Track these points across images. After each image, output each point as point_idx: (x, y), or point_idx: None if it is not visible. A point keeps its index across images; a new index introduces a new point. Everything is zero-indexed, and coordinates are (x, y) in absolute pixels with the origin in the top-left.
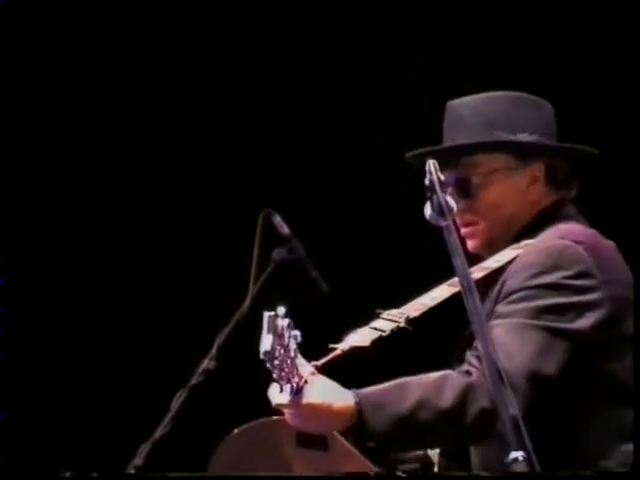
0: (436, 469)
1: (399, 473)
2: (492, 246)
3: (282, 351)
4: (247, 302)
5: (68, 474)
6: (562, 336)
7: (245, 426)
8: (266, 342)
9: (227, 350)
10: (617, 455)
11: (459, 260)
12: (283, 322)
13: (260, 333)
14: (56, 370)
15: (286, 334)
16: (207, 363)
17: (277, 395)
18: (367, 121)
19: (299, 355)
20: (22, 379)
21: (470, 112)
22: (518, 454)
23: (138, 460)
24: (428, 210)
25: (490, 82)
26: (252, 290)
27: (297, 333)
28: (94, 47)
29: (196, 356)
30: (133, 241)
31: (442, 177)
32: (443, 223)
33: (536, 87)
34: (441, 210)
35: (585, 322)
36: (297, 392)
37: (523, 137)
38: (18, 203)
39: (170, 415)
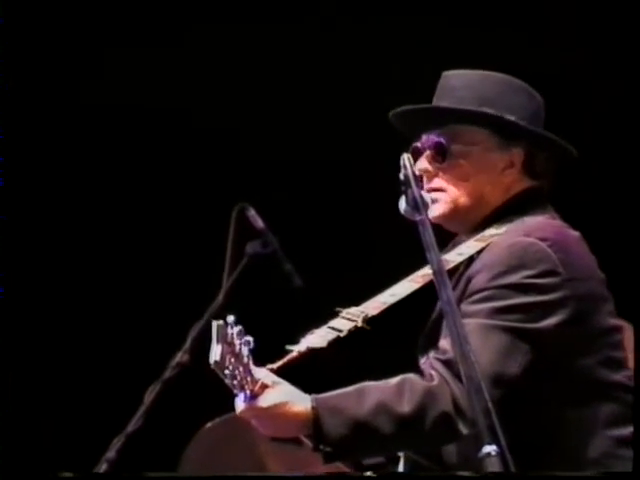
0: (402, 462)
1: (369, 473)
2: (454, 218)
3: (233, 359)
4: (221, 295)
5: (68, 474)
6: (526, 336)
7: (218, 420)
8: (216, 352)
9: (200, 344)
10: (595, 446)
11: (433, 254)
12: (233, 330)
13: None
14: (27, 365)
15: (237, 341)
16: (180, 356)
17: (237, 404)
18: (343, 116)
19: (251, 361)
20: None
21: (463, 84)
22: (491, 448)
23: (111, 454)
24: (403, 204)
25: None
26: (226, 283)
27: (249, 339)
28: (86, 39)
29: (169, 350)
30: (107, 235)
31: (417, 172)
32: (417, 217)
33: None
34: (416, 204)
35: (550, 321)
36: (252, 398)
37: (510, 119)
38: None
39: (143, 408)
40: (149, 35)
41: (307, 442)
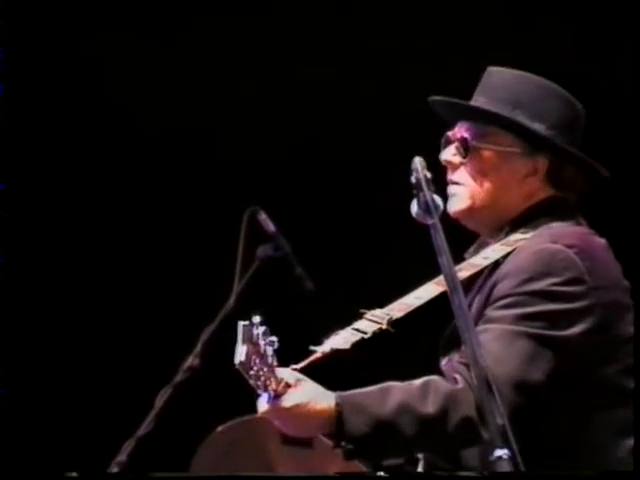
0: (421, 464)
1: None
2: (471, 216)
3: (258, 360)
4: (232, 299)
5: (74, 474)
6: (550, 344)
7: (229, 423)
8: (241, 352)
9: (212, 347)
10: (614, 453)
11: (445, 259)
12: (258, 330)
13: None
14: (38, 368)
15: (262, 342)
16: (192, 360)
17: (260, 404)
18: (354, 120)
19: (275, 361)
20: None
21: (501, 84)
22: (502, 452)
23: (122, 457)
24: (415, 207)
25: None
26: (237, 287)
27: (274, 339)
28: (86, 45)
29: (181, 353)
30: (117, 239)
31: (429, 175)
32: (429, 221)
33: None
34: (427, 208)
35: (574, 330)
36: (275, 397)
37: (539, 127)
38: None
39: (154, 412)
40: (149, 35)
41: (318, 446)
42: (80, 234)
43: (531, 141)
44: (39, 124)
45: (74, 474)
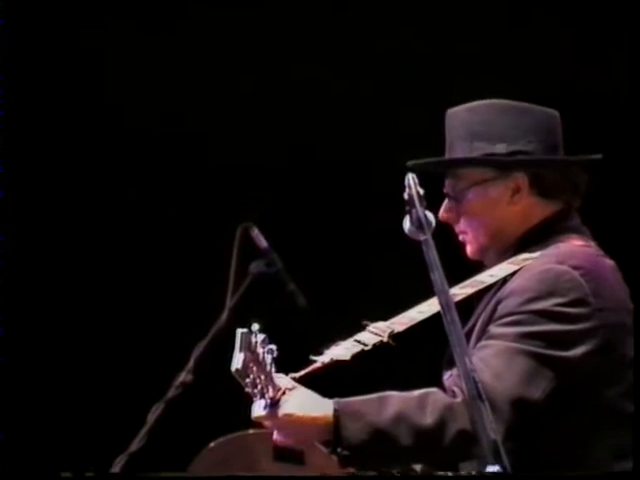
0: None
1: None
2: (485, 254)
3: (255, 367)
4: (224, 315)
5: (68, 474)
6: (551, 363)
7: (221, 439)
8: (238, 359)
9: (204, 363)
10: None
11: (437, 275)
12: (257, 338)
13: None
14: (35, 376)
15: (260, 350)
16: (184, 376)
17: (255, 409)
18: (349, 131)
19: (274, 369)
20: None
21: (458, 122)
22: (494, 468)
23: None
24: (407, 224)
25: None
26: (229, 303)
27: (273, 347)
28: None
29: (173, 369)
30: (108, 254)
31: (421, 191)
32: (422, 237)
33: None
34: (420, 224)
35: (576, 351)
36: (272, 405)
37: (501, 148)
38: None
39: (146, 428)
40: (148, 34)
41: (310, 462)
42: (73, 239)
43: (496, 165)
44: (34, 121)
45: (69, 474)
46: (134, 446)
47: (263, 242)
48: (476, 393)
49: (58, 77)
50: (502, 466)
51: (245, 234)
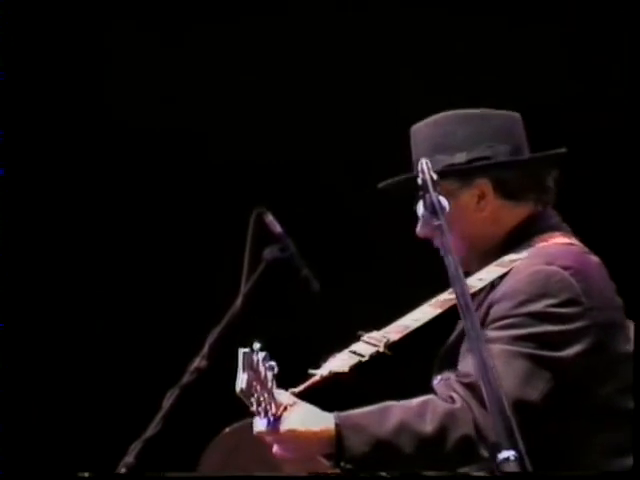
0: None
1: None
2: (469, 264)
3: (259, 386)
4: (239, 301)
5: (86, 474)
6: (547, 364)
7: (236, 425)
8: (242, 380)
9: (218, 349)
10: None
11: (451, 259)
12: (258, 356)
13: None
14: (48, 369)
15: (262, 368)
16: (199, 362)
17: (258, 425)
18: (357, 120)
19: (275, 386)
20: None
21: (421, 137)
22: (509, 453)
23: (129, 458)
24: (421, 209)
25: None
26: (244, 289)
27: (273, 364)
28: (85, 46)
29: (188, 355)
30: (124, 241)
31: (435, 176)
32: (436, 222)
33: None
34: (434, 209)
35: (570, 350)
36: (274, 422)
37: (460, 157)
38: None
39: (161, 414)
40: (149, 37)
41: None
42: (85, 238)
43: (457, 174)
44: (34, 121)
45: (86, 474)
46: (149, 432)
47: (277, 227)
48: (491, 377)
49: (58, 77)
50: (517, 450)
51: (259, 219)
